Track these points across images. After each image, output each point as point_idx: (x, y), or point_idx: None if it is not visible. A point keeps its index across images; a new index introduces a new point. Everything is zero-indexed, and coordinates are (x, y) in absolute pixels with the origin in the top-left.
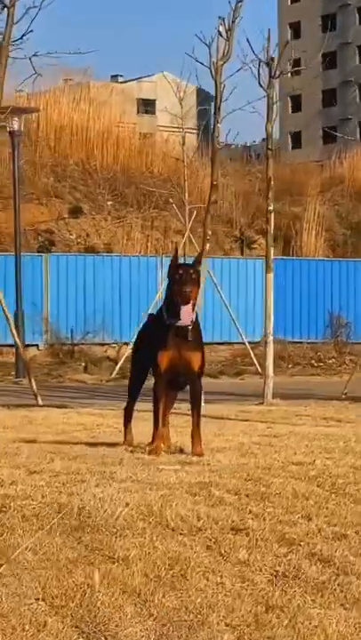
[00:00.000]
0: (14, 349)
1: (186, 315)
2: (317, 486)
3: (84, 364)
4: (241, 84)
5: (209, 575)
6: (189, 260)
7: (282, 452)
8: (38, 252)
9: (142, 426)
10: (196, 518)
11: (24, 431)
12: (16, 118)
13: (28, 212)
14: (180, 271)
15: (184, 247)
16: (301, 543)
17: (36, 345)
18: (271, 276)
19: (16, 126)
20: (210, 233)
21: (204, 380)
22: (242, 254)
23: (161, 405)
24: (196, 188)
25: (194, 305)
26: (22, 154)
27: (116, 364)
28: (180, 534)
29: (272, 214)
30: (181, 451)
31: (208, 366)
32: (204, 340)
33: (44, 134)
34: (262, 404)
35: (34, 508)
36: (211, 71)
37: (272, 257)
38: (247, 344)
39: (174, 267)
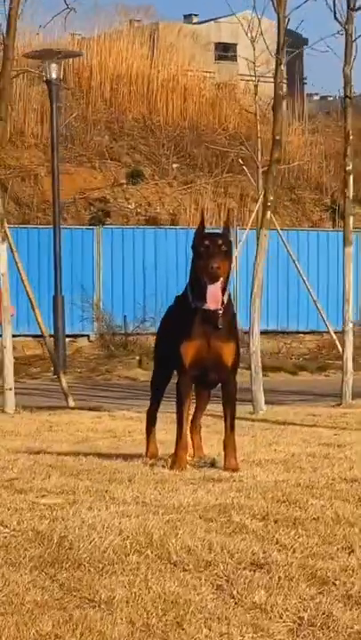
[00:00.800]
0: (57, 341)
1: (213, 296)
2: None
3: (137, 358)
4: (311, 18)
5: (212, 623)
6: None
7: (337, 465)
8: (90, 224)
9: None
10: (207, 550)
11: (38, 439)
12: (54, 64)
13: (79, 176)
14: (206, 242)
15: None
16: (336, 582)
17: (87, 335)
18: (350, 250)
19: (54, 74)
20: (271, 198)
21: (280, 377)
22: (334, 226)
23: (185, 408)
24: (280, 148)
25: (225, 284)
26: (70, 108)
27: None
28: (184, 570)
29: (350, 176)
30: (213, 464)
31: (287, 360)
32: (297, 326)
33: (97, 85)
34: (340, 405)
35: (5, 537)
36: (273, 1)
37: (351, 227)
38: (333, 333)
39: (200, 237)
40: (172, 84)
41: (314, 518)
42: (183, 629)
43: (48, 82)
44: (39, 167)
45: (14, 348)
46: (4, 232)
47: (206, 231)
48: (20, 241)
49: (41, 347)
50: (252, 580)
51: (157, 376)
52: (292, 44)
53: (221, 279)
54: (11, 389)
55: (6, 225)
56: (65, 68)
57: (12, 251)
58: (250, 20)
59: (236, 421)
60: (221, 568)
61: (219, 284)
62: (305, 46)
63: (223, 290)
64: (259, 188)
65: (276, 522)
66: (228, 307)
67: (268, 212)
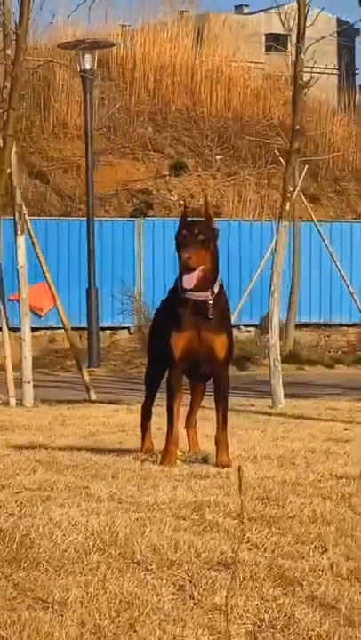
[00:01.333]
0: (90, 334)
1: (186, 279)
2: (348, 508)
3: None
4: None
5: (167, 625)
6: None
7: (331, 461)
8: (132, 216)
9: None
10: (173, 549)
11: (46, 433)
12: (87, 55)
13: (122, 168)
14: (184, 231)
15: (292, 208)
16: (303, 583)
17: (127, 328)
18: None
19: (88, 65)
20: (290, 189)
21: (316, 371)
22: None
23: (176, 402)
24: (324, 139)
25: (209, 274)
26: (114, 99)
27: None
28: (146, 570)
29: None
30: (205, 460)
31: (325, 353)
32: (334, 318)
33: (141, 76)
34: None
35: None
36: None
37: None
38: None
39: (180, 226)
40: (217, 75)
41: (290, 516)
42: (135, 631)
43: (82, 73)
44: (82, 159)
45: (54, 340)
46: (23, 223)
47: (189, 220)
48: (62, 233)
49: (80, 339)
50: (215, 580)
51: (152, 370)
52: (343, 35)
53: (202, 268)
54: (29, 383)
55: (27, 216)
56: (108, 60)
57: (32, 243)
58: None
59: (253, 415)
60: (185, 568)
61: (196, 274)
62: (356, 37)
63: (212, 279)
64: (296, 179)
65: (250, 520)
66: (220, 297)
67: (288, 204)
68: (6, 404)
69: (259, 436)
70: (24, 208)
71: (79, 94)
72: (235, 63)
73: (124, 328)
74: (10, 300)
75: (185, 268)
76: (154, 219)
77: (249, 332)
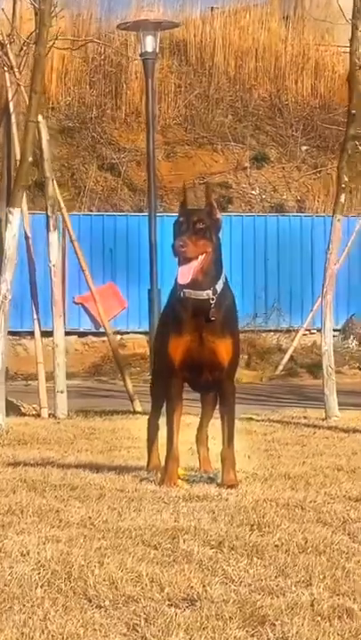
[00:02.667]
0: (152, 339)
1: (181, 273)
2: (347, 535)
3: (246, 357)
4: None
5: None
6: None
7: (352, 482)
8: None
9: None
10: (134, 583)
11: (64, 447)
12: (149, 37)
13: (199, 160)
14: (181, 218)
15: None
16: (276, 622)
17: None
18: None
19: (149, 47)
20: (346, 179)
21: None
22: None
23: (176, 414)
24: None
25: (206, 267)
26: (191, 86)
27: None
28: (98, 607)
29: None
30: (211, 479)
31: None
32: None
33: (221, 61)
34: None
35: None
36: None
37: None
38: None
39: (178, 213)
40: (303, 60)
41: (276, 545)
42: None
43: (143, 55)
44: (156, 150)
45: (124, 345)
46: (55, 219)
47: (189, 207)
48: (131, 229)
49: (148, 345)
50: (173, 619)
51: (158, 379)
52: None
53: (201, 260)
54: (62, 392)
55: (65, 212)
56: (186, 44)
57: (70, 240)
58: None
59: (301, 428)
60: (143, 605)
61: (192, 265)
62: None
63: (214, 276)
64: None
65: (231, 549)
66: (224, 296)
67: (343, 195)
68: (37, 415)
69: (294, 452)
70: (61, 202)
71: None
72: (323, 47)
73: None
74: (75, 302)
75: (179, 258)
76: (232, 214)
77: (334, 336)
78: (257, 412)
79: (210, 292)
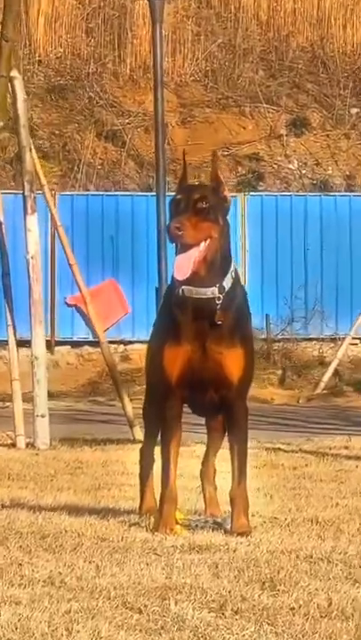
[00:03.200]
0: None
1: (177, 266)
2: None
3: (279, 372)
4: None
5: None
6: None
7: None
8: (237, 190)
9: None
10: None
11: (38, 485)
12: None
13: (223, 126)
14: (179, 196)
15: None
16: None
17: None
18: None
19: None
20: None
21: None
22: None
23: (173, 443)
24: None
25: (211, 257)
26: (213, 34)
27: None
28: None
29: None
30: (218, 525)
31: None
32: None
33: (250, 3)
34: None
35: None
36: None
37: None
38: None
39: (176, 190)
40: (353, 2)
41: (292, 607)
42: None
43: None
44: (168, 114)
45: (128, 357)
46: (34, 199)
47: (189, 184)
48: (138, 212)
49: None
50: None
51: (151, 399)
52: None
53: (204, 246)
54: (43, 416)
55: (47, 190)
56: None
57: (54, 226)
58: None
59: (341, 461)
60: None
61: (192, 253)
62: None
63: (221, 269)
64: None
65: (235, 613)
66: (234, 294)
67: None
68: (12, 445)
69: (328, 491)
70: (42, 177)
71: (166, 28)
72: None
73: None
74: (67, 304)
75: (174, 242)
76: (263, 194)
77: None
78: (288, 440)
79: (215, 289)
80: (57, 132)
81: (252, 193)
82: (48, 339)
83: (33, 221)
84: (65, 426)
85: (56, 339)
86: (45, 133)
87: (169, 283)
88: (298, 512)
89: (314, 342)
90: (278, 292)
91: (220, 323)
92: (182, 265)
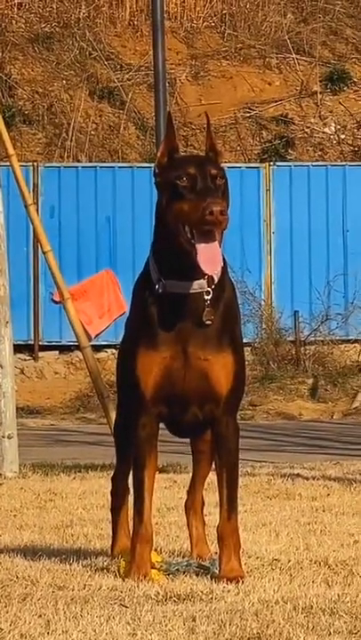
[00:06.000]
0: None
1: (209, 258)
2: None
3: (310, 382)
4: None
5: None
6: None
7: None
8: (261, 159)
9: None
10: None
11: (1, 521)
12: None
13: (243, 83)
14: (191, 170)
15: None
16: None
17: (249, 344)
18: None
19: None
20: None
21: None
22: None
23: (147, 471)
24: None
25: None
26: None
27: None
28: None
29: None
30: (205, 570)
31: None
32: None
33: None
34: None
35: None
36: None
37: None
38: None
39: (176, 163)
40: None
41: None
42: None
43: None
44: (177, 67)
45: None
46: None
47: (191, 155)
48: (140, 188)
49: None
50: None
51: (125, 416)
52: None
53: (220, 235)
54: (10, 438)
55: (15, 160)
56: None
57: (25, 205)
58: None
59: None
60: None
61: (217, 244)
62: None
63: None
64: None
65: None
66: (222, 287)
67: None
68: None
69: (349, 526)
70: (8, 144)
71: None
72: None
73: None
74: (54, 301)
75: (205, 230)
76: (293, 164)
77: None
78: (313, 464)
79: (204, 282)
80: (41, 90)
81: (279, 163)
82: (31, 342)
83: None
84: (44, 449)
85: (40, 342)
86: (27, 92)
87: (140, 273)
88: (306, 552)
89: (353, 345)
90: (311, 284)
91: (209, 323)
92: (214, 255)
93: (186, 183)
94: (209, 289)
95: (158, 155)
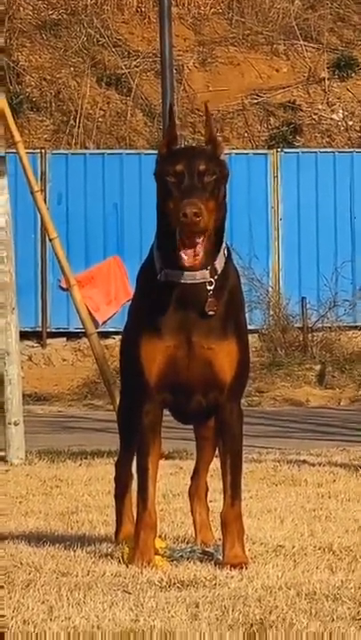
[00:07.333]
0: None
1: (188, 254)
2: None
3: (317, 368)
4: None
5: None
6: None
7: None
8: (269, 146)
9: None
10: None
11: (7, 508)
12: None
13: (250, 69)
14: (178, 167)
15: None
16: None
17: (256, 331)
18: None
19: None
20: None
21: None
22: None
23: (150, 457)
24: None
25: (215, 239)
26: None
27: None
28: None
29: None
30: (209, 556)
31: None
32: None
33: None
34: None
35: None
36: None
37: None
38: None
39: (168, 157)
40: None
41: None
42: None
43: None
44: (185, 54)
45: None
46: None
47: (180, 147)
48: (147, 174)
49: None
50: None
51: (128, 403)
52: None
53: (207, 231)
54: (17, 424)
55: (22, 147)
56: None
57: (31, 192)
58: None
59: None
60: None
61: (200, 243)
62: None
63: (214, 250)
64: None
65: None
66: (226, 277)
67: None
68: None
69: (354, 513)
70: (14, 130)
71: None
72: None
73: (252, 332)
74: (61, 288)
75: (187, 231)
76: (300, 150)
77: None
78: (319, 450)
79: (206, 272)
80: (48, 77)
81: (286, 149)
82: (39, 329)
83: (1, 187)
84: (51, 435)
85: (48, 329)
86: (34, 79)
87: (143, 261)
88: (310, 538)
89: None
90: (319, 271)
91: (212, 313)
92: (193, 250)
93: (173, 179)
94: (211, 279)
95: (160, 146)
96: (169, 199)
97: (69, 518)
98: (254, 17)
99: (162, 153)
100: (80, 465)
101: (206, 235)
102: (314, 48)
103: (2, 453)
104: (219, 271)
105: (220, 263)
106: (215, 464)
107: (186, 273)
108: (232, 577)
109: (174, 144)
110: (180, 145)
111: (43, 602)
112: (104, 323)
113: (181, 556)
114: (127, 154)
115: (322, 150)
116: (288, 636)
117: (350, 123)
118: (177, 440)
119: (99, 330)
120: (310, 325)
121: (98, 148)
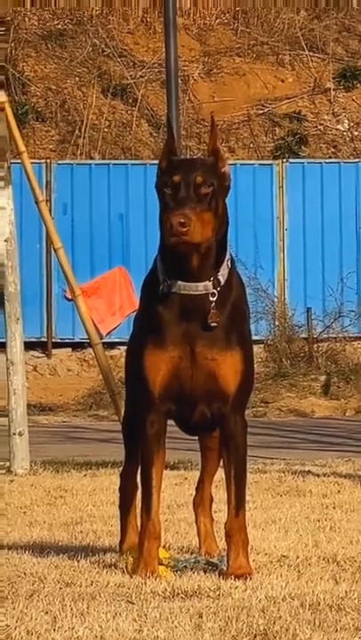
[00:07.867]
0: None
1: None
2: None
3: (323, 379)
4: None
5: None
6: None
7: None
8: (274, 156)
9: None
10: None
11: (10, 518)
12: None
13: (256, 80)
14: (175, 178)
15: None
16: None
17: (262, 342)
18: None
19: None
20: None
21: None
22: None
23: (154, 468)
24: None
25: (208, 251)
26: None
27: None
28: None
29: None
30: (213, 565)
31: None
32: None
33: None
34: None
35: None
36: None
37: None
38: None
39: (166, 167)
40: None
41: None
42: None
43: None
44: (190, 65)
45: None
46: (8, 170)
47: (184, 158)
48: (152, 183)
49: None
50: None
51: (132, 413)
52: None
53: (206, 243)
54: (22, 434)
55: (26, 157)
56: None
57: (35, 201)
58: None
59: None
60: None
61: (194, 255)
62: None
63: (216, 261)
64: None
65: None
66: (229, 288)
67: None
68: None
69: (358, 523)
70: (18, 139)
71: None
72: None
73: (257, 342)
74: (67, 298)
75: (174, 242)
76: (306, 161)
77: None
78: (324, 461)
79: (209, 284)
80: (54, 87)
81: (292, 160)
82: (44, 339)
83: (6, 197)
84: (56, 446)
85: (53, 339)
86: (40, 89)
87: (148, 272)
88: (314, 549)
89: None
90: (323, 281)
91: (214, 325)
92: (184, 263)
93: (170, 191)
94: (214, 290)
95: (159, 160)
96: (163, 211)
97: (73, 528)
98: (260, 27)
99: (162, 166)
100: (85, 475)
101: (203, 247)
102: (319, 58)
103: (6, 464)
104: (222, 282)
105: (223, 274)
106: (220, 474)
107: (189, 284)
108: (236, 587)
109: (173, 156)
110: (184, 156)
111: (46, 612)
112: (108, 334)
113: (185, 567)
114: (132, 164)
115: (327, 161)
116: None
117: (356, 133)
118: (182, 451)
119: (104, 340)
120: (316, 336)
121: (103, 159)
